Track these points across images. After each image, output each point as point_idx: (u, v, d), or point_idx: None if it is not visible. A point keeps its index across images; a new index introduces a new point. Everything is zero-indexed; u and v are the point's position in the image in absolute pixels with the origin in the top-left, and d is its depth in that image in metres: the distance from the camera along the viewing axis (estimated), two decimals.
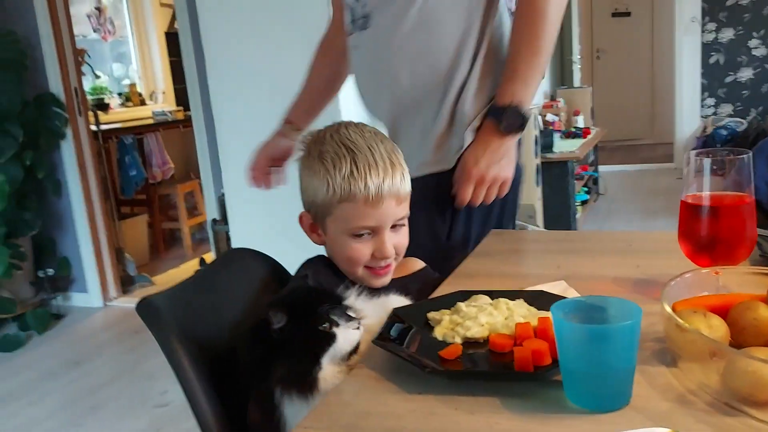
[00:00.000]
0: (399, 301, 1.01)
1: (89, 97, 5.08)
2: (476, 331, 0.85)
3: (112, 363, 3.27)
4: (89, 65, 5.01)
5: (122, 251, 4.28)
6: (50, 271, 3.92)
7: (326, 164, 1.05)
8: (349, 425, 0.69)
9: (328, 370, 0.84)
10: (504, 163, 1.29)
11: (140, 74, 6.09)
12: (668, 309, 0.74)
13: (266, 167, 1.57)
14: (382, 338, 0.83)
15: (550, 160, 4.22)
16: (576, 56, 6.72)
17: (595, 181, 5.69)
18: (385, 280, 1.10)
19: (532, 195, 3.91)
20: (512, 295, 0.93)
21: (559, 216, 4.33)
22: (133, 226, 4.76)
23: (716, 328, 0.74)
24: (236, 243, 2.79)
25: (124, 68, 6.04)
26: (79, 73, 3.98)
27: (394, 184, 1.05)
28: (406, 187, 1.08)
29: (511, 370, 0.76)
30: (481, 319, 0.87)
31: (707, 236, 0.90)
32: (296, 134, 1.53)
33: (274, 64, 2.48)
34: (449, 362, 0.80)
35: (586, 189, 5.29)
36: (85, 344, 3.52)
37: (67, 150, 3.88)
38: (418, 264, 1.21)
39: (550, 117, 5.37)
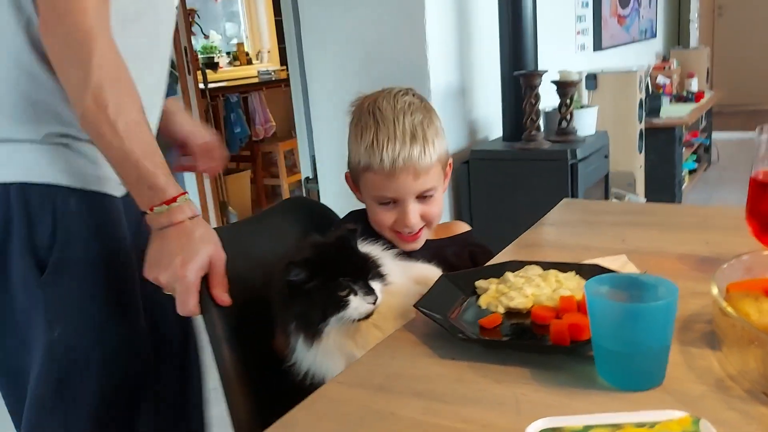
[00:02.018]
0: (425, 268, 1.02)
1: (200, 56, 5.29)
2: (519, 302, 0.85)
3: None
4: (199, 25, 5.21)
5: (226, 205, 4.49)
6: None
7: (356, 132, 1.09)
8: (379, 385, 0.72)
9: (334, 328, 0.87)
10: None
11: (247, 34, 6.27)
12: (714, 290, 0.71)
13: None
14: (425, 302, 0.85)
15: (655, 125, 4.02)
16: (694, 14, 6.27)
17: (707, 149, 5.36)
18: (414, 245, 1.13)
19: (633, 162, 3.74)
20: (564, 267, 0.92)
21: (663, 185, 4.14)
22: (238, 181, 4.97)
23: (767, 313, 0.71)
24: (324, 201, 2.87)
25: (236, 27, 6.23)
26: (189, 33, 4.15)
27: (410, 158, 1.06)
28: (426, 161, 1.07)
29: (547, 343, 0.76)
30: (527, 290, 0.87)
31: None
32: None
33: (366, 31, 2.49)
34: (487, 331, 0.81)
35: (695, 157, 5.00)
36: None
37: None
38: (461, 227, 1.22)
39: (661, 79, 5.07)
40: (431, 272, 1.01)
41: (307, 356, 0.88)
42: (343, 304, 0.86)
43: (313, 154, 3.01)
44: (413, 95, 1.13)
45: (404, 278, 0.95)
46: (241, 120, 4.97)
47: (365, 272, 0.89)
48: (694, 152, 5.02)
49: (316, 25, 2.62)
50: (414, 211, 1.09)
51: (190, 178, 4.16)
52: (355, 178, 1.14)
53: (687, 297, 0.86)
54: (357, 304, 0.87)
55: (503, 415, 0.64)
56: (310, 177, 3.61)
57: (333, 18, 2.56)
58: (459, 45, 2.61)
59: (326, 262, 0.89)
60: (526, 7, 2.51)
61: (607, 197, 2.96)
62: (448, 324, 0.80)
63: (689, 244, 1.06)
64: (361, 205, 1.21)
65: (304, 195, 3.75)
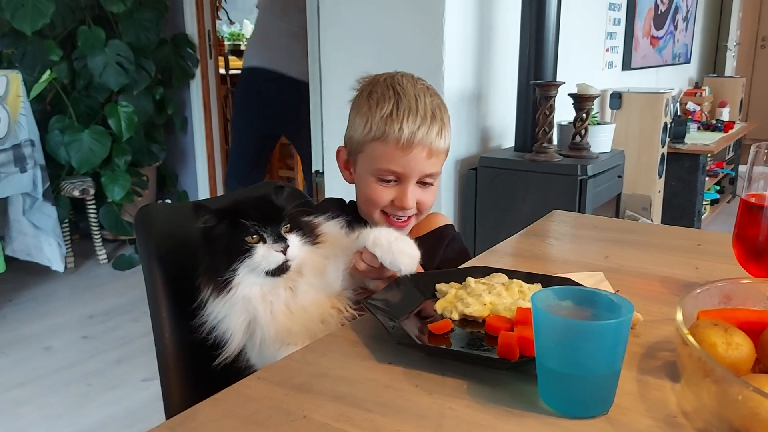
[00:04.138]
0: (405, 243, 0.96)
1: (226, 42, 5.28)
2: (475, 310, 0.78)
3: None
4: (225, 11, 5.19)
5: None
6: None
7: (371, 102, 1.06)
8: (300, 384, 0.66)
9: (245, 280, 0.82)
10: None
11: None
12: (679, 315, 0.64)
13: None
14: (377, 300, 0.79)
15: (678, 151, 3.91)
16: (732, 43, 6.12)
17: (732, 181, 5.22)
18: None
19: (652, 186, 3.64)
20: (531, 278, 0.86)
21: (682, 212, 4.03)
22: None
23: (736, 347, 0.64)
24: (329, 194, 2.82)
25: None
26: (214, 18, 4.13)
27: (428, 135, 1.04)
28: (441, 143, 1.06)
29: (493, 355, 0.69)
30: (485, 297, 0.80)
31: (764, 242, 0.78)
32: None
33: (383, 26, 2.44)
34: (436, 337, 0.75)
35: (717, 187, 4.86)
36: None
37: (196, 90, 4.06)
38: (440, 220, 1.17)
39: (691, 105, 4.95)
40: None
41: (213, 309, 0.82)
42: (248, 250, 0.80)
43: (323, 147, 2.96)
44: (425, 81, 1.13)
45: (344, 244, 0.89)
46: None
47: (279, 222, 0.83)
48: (718, 183, 4.89)
49: (335, 19, 2.58)
50: (413, 193, 1.07)
51: (201, 161, 4.14)
52: (355, 151, 1.10)
53: (658, 322, 0.80)
54: (264, 251, 0.81)
55: (420, 429, 0.57)
56: (320, 171, 3.56)
57: (351, 12, 2.51)
58: (478, 49, 2.54)
59: (240, 210, 0.83)
60: (549, 16, 2.43)
61: (617, 218, 2.87)
62: (389, 325, 0.74)
63: (677, 268, 0.99)
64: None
65: (314, 188, 3.69)
